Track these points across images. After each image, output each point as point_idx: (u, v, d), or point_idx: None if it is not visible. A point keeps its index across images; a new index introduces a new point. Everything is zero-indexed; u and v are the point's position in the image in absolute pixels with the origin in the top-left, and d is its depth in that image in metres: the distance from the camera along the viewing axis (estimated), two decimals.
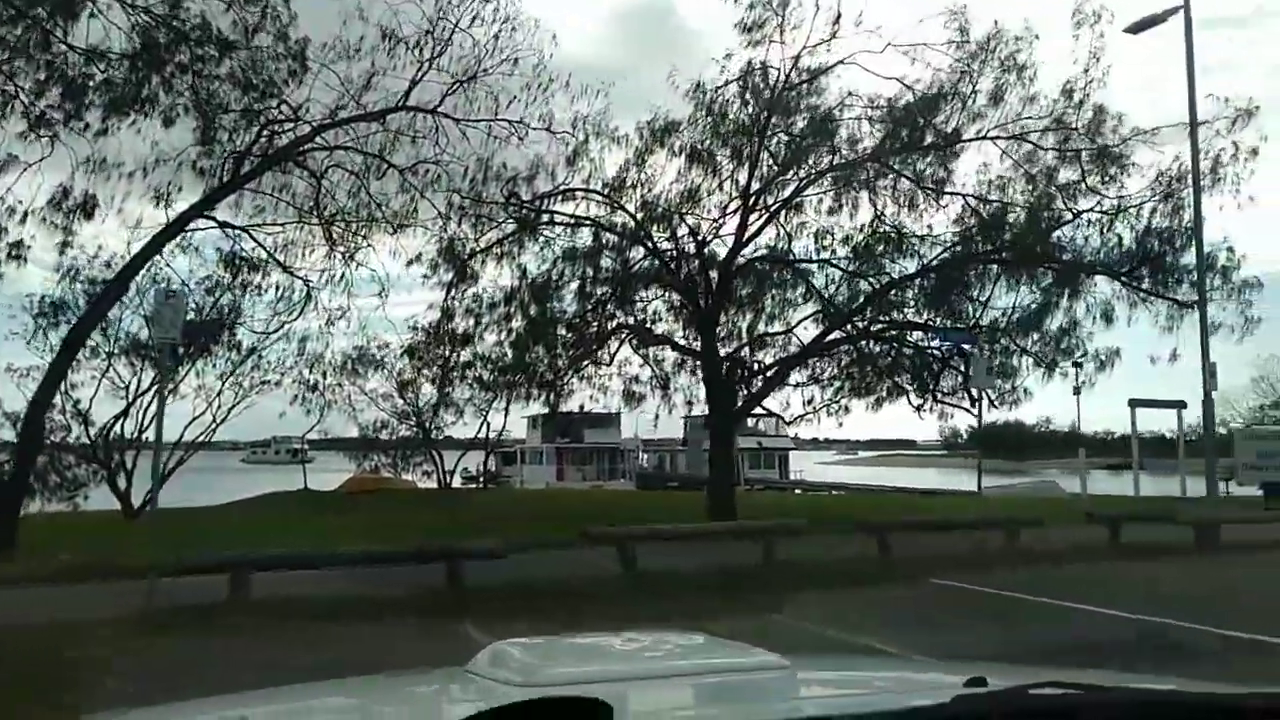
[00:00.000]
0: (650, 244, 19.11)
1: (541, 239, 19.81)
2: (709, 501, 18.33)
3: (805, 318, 19.07)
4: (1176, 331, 16.50)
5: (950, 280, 17.32)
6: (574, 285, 20.55)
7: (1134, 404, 25.71)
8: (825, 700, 1.17)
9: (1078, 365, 18.81)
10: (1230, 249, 16.31)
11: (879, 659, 3.86)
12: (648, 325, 20.38)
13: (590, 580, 10.24)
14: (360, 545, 11.00)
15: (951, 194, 16.93)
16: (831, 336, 18.62)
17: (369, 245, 17.60)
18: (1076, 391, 21.64)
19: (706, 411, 19.13)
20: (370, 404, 26.22)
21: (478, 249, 19.32)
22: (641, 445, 49.41)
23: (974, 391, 17.77)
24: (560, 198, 19.50)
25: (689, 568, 10.93)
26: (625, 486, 42.76)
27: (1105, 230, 15.63)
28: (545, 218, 19.41)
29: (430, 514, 20.26)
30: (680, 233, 19.57)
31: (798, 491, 41.64)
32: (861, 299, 18.38)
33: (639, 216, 19.16)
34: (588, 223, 19.50)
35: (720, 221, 18.78)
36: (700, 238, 18.74)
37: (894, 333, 18.56)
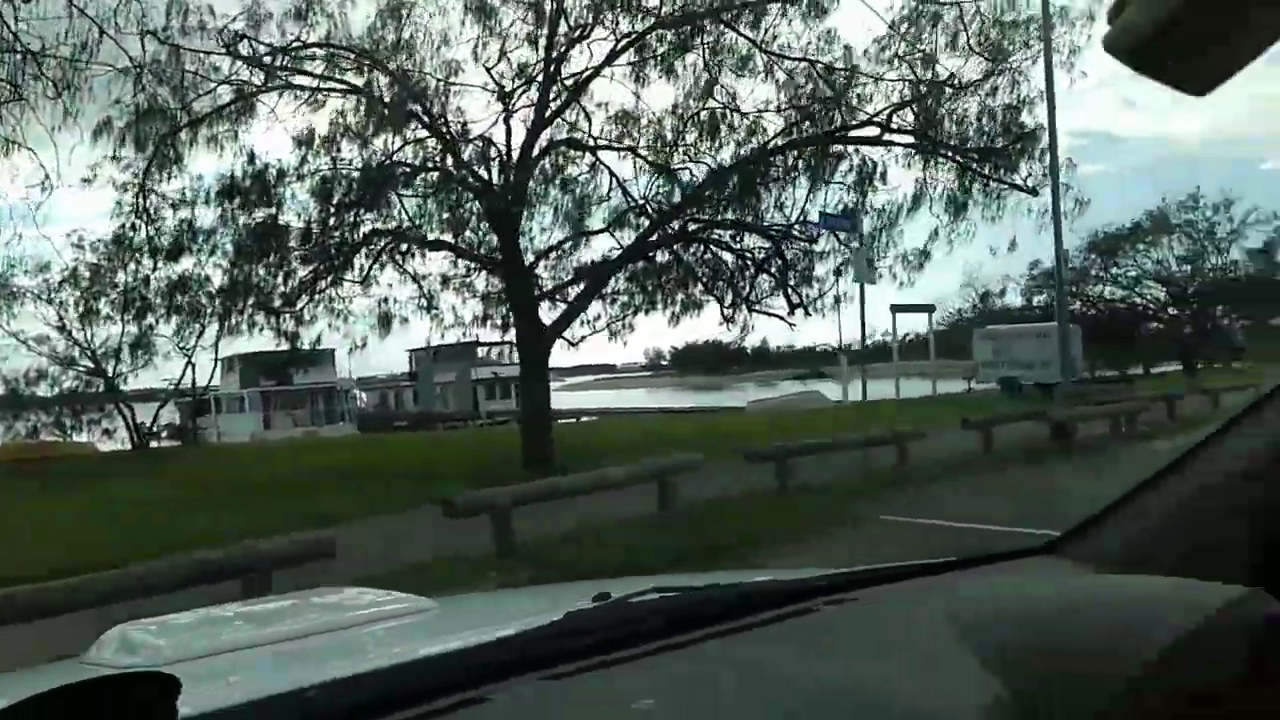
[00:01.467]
0: (426, 117, 15.02)
1: (271, 114, 14.98)
2: (525, 446, 15.03)
3: (621, 215, 16.09)
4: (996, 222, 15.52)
5: (784, 168, 15.18)
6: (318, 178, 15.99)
7: (895, 309, 26.14)
8: (463, 634, 1.03)
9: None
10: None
11: (527, 591, 3.34)
12: (415, 230, 16.33)
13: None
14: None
15: (795, 59, 14.54)
16: (652, 238, 15.83)
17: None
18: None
19: (512, 335, 15.59)
20: (19, 347, 19.58)
21: (182, 123, 14.11)
22: (357, 384, 44.04)
23: (851, 282, 15.47)
24: (292, 56, 14.76)
25: (569, 527, 7.99)
26: (345, 431, 37.62)
27: (956, 110, 14.14)
28: (278, 80, 14.62)
29: (123, 487, 14.97)
30: (460, 108, 15.70)
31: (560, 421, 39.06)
32: (685, 193, 15.75)
33: (408, 84, 14.98)
34: (338, 89, 14.98)
35: (514, 97, 15.12)
36: (507, 107, 14.97)
37: (720, 233, 16.19)
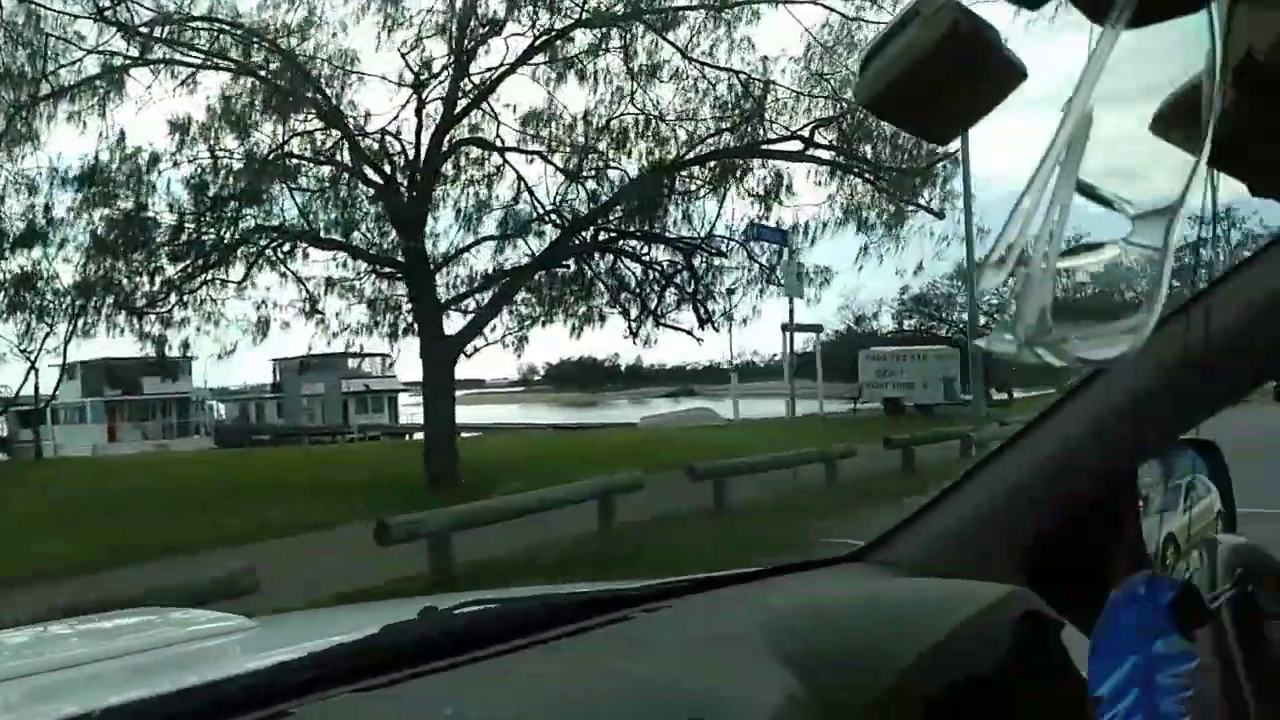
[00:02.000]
0: (322, 105, 13.87)
1: (146, 91, 13.50)
2: (429, 462, 13.97)
3: (531, 221, 15.29)
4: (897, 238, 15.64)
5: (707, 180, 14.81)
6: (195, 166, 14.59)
7: (785, 328, 26.30)
8: (278, 652, 0.99)
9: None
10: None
11: (355, 607, 3.31)
12: (308, 228, 15.06)
13: None
14: None
15: (719, 68, 14.19)
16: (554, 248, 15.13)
17: None
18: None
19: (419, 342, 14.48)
20: None
21: (39, 94, 12.46)
22: (212, 394, 41.05)
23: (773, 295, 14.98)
24: (172, 28, 13.35)
25: (505, 550, 7.25)
26: (200, 445, 34.89)
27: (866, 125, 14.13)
28: (154, 53, 13.18)
29: None
30: (353, 102, 14.62)
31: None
32: (598, 201, 15.14)
33: (302, 68, 13.81)
34: (223, 67, 13.65)
35: (422, 89, 14.15)
36: (421, 99, 13.96)
37: (632, 244, 15.64)
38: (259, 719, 0.75)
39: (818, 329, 26.92)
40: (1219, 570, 0.80)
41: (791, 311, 16.42)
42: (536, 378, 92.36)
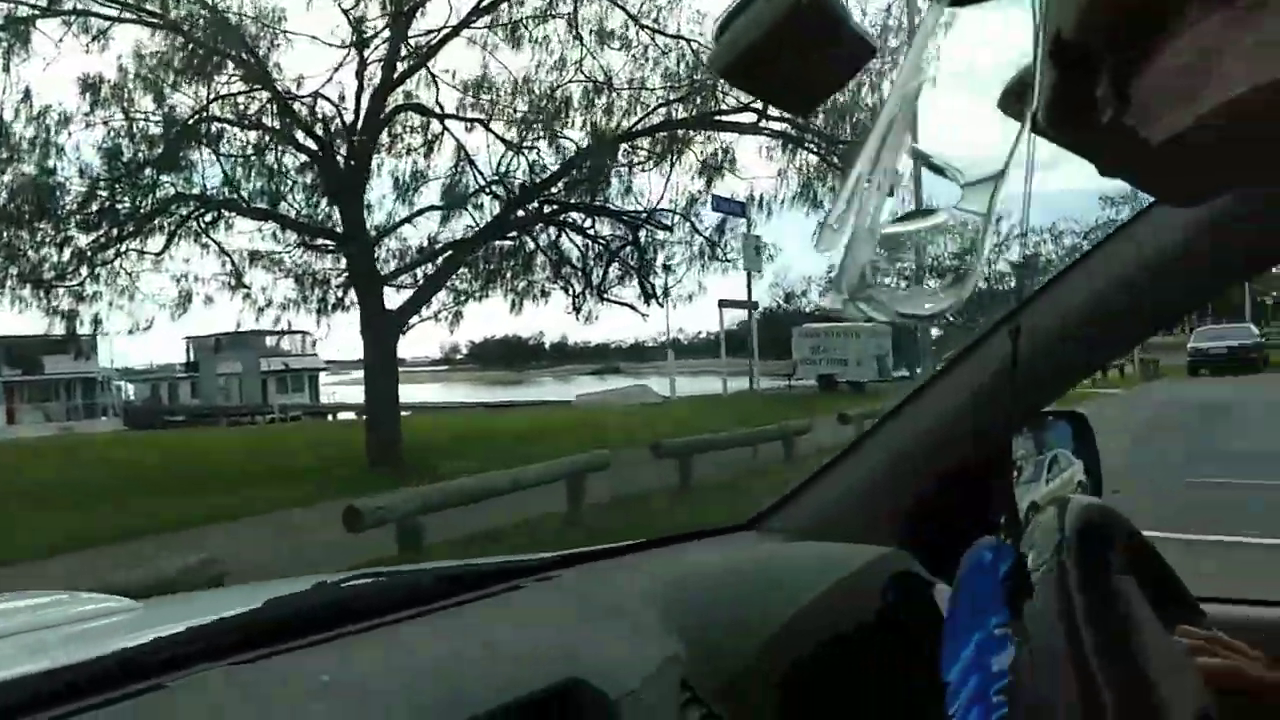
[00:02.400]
0: (250, 64, 13.05)
1: (56, 46, 12.48)
2: (372, 442, 13.37)
3: (474, 192, 14.71)
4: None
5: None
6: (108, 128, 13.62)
7: (722, 304, 26.23)
8: (163, 628, 0.93)
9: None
10: None
11: (247, 588, 2.51)
12: (232, 197, 14.21)
13: None
14: None
15: (671, 36, 13.79)
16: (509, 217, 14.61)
17: None
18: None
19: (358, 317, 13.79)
20: None
21: None
22: (117, 374, 38.98)
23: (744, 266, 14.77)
24: None
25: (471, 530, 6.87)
26: (109, 427, 33.12)
27: None
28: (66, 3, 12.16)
29: None
30: (280, 64, 13.82)
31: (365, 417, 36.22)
32: (543, 173, 14.65)
33: (228, 23, 12.95)
34: (143, 19, 12.70)
35: (361, 48, 13.41)
36: (362, 59, 13.20)
37: (577, 217, 15.22)
38: (133, 693, 0.73)
39: (753, 305, 26.84)
40: (1067, 530, 0.78)
41: (750, 287, 16.31)
42: (459, 356, 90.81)
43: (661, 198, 15.66)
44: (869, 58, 0.47)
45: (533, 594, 1.06)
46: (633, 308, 16.75)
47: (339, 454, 13.73)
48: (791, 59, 0.46)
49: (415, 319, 14.46)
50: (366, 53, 13.25)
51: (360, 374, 17.57)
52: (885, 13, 13.99)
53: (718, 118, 14.15)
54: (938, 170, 0.45)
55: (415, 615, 0.94)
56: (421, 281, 14.08)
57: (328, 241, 13.89)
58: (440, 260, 14.03)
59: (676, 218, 15.97)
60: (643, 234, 16.15)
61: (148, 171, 14.06)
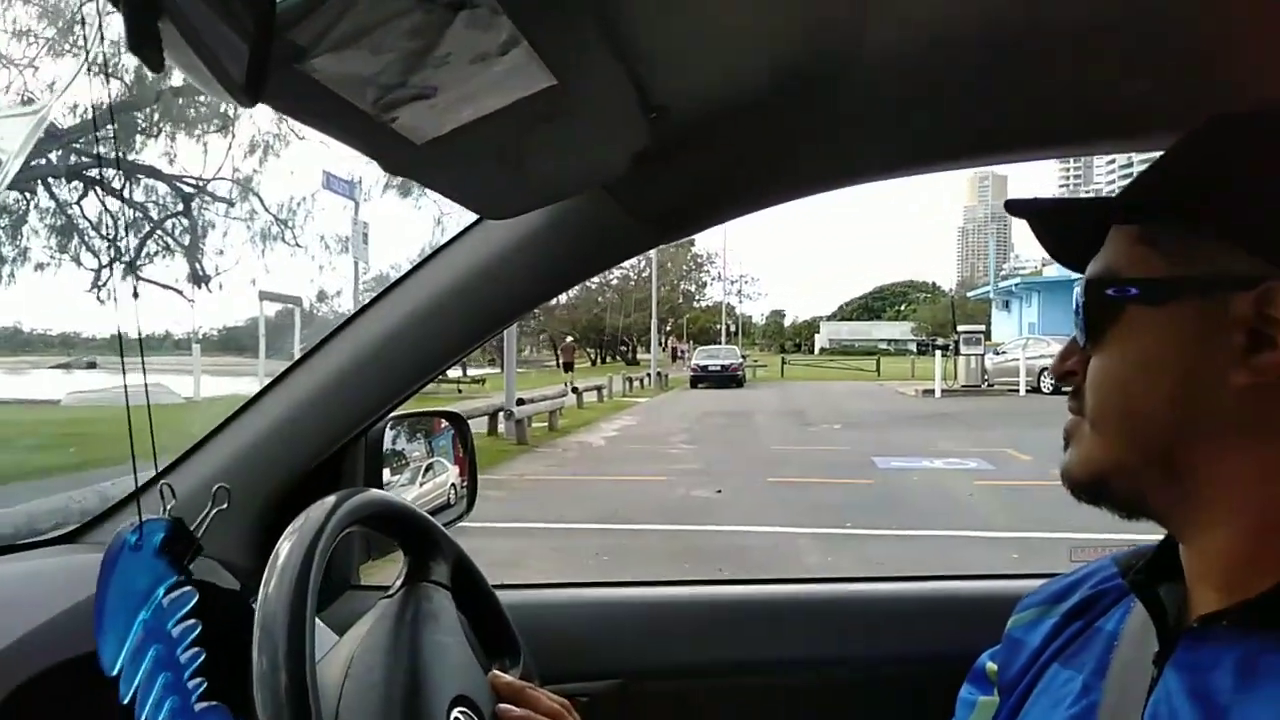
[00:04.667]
0: None
1: None
2: None
3: None
4: None
5: None
6: None
7: (263, 296, 23.29)
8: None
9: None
10: None
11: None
12: None
13: None
14: None
15: None
16: None
17: None
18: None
19: None
20: None
21: None
22: None
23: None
24: None
25: None
26: None
27: None
28: None
29: None
30: None
31: None
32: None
33: None
34: None
35: None
36: None
37: (109, 174, 12.23)
38: None
39: (296, 301, 24.44)
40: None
41: (356, 276, 14.62)
42: None
43: (221, 167, 13.44)
44: None
45: None
46: (179, 292, 14.19)
47: None
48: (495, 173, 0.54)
49: None
50: None
51: None
52: None
53: None
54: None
55: None
56: None
57: None
58: None
59: (236, 190, 13.86)
60: (195, 206, 13.76)
61: None
